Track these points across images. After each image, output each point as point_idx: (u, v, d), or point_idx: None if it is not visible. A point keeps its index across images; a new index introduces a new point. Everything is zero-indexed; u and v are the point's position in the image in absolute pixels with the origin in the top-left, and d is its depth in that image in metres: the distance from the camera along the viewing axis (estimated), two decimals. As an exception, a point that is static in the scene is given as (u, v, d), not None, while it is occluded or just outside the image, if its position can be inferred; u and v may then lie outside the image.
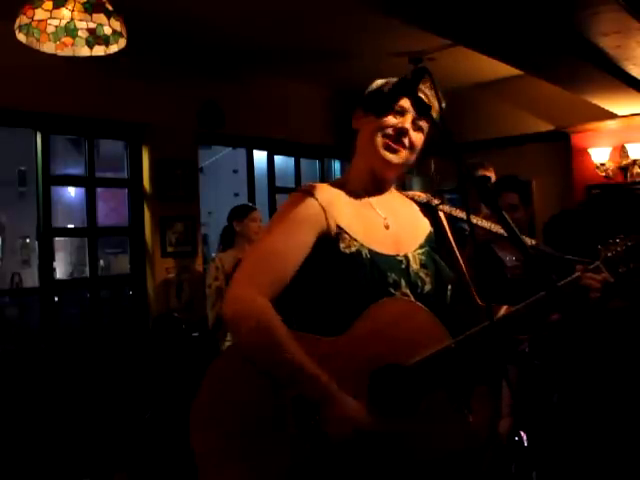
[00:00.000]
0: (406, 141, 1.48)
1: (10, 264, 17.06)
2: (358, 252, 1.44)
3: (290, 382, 1.33)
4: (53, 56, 2.77)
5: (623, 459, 2.56)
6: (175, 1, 3.91)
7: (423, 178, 6.88)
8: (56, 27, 2.59)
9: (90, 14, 2.53)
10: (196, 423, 1.41)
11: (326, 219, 1.45)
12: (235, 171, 19.90)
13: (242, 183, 6.46)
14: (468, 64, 5.20)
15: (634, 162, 5.54)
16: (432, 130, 1.52)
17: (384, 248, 1.48)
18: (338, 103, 5.96)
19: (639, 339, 2.59)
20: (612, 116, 5.45)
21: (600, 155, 5.63)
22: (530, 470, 2.60)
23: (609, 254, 1.48)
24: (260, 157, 5.92)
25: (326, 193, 1.49)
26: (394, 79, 1.54)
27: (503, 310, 1.52)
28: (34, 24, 2.55)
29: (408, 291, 1.45)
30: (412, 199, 1.65)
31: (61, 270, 15.35)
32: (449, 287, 1.54)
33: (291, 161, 6.22)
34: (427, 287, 1.49)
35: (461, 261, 1.63)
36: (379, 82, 1.57)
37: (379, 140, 1.48)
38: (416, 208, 1.64)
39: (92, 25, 2.60)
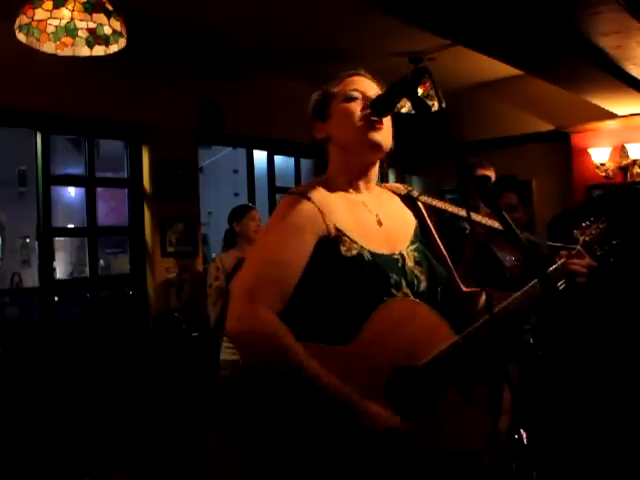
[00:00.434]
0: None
1: (10, 264, 17.07)
2: (360, 255, 1.42)
3: (313, 399, 1.31)
4: (53, 56, 2.77)
5: (623, 458, 2.56)
6: (175, 1, 3.91)
7: (422, 179, 6.89)
8: (56, 27, 2.60)
9: (90, 14, 2.53)
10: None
11: (324, 222, 1.42)
12: (235, 171, 19.92)
13: (242, 183, 6.46)
14: (468, 64, 5.20)
15: (634, 162, 5.54)
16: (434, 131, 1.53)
17: (380, 247, 1.47)
18: (338, 103, 5.94)
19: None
20: (612, 116, 5.46)
21: (600, 155, 5.63)
22: (529, 469, 2.60)
23: (587, 238, 1.53)
24: (260, 157, 5.92)
25: (319, 194, 1.46)
26: (321, 89, 1.56)
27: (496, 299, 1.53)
28: (34, 24, 2.55)
29: (409, 291, 1.46)
30: (393, 192, 1.65)
31: (61, 270, 15.37)
32: (440, 284, 1.56)
33: (291, 161, 6.22)
34: (422, 285, 1.50)
35: (443, 249, 1.65)
36: (313, 97, 1.58)
37: (358, 124, 1.46)
38: (399, 200, 1.64)
39: (92, 25, 2.60)
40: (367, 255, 1.43)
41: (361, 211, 1.51)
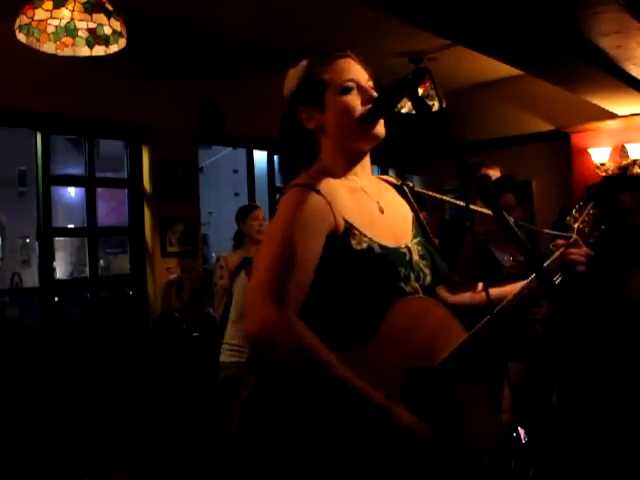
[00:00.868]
0: None
1: (10, 264, 17.06)
2: (370, 248, 1.40)
3: (344, 401, 1.28)
4: (53, 56, 2.77)
5: (623, 458, 2.56)
6: (175, 1, 3.90)
7: (422, 178, 6.89)
8: (56, 27, 2.60)
9: (90, 14, 2.53)
10: None
11: (333, 215, 1.38)
12: (235, 171, 19.92)
13: (242, 183, 6.46)
14: (468, 64, 5.19)
15: (634, 162, 5.54)
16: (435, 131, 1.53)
17: (388, 240, 1.45)
18: (338, 103, 5.94)
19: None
20: (612, 116, 5.46)
21: (600, 155, 5.63)
22: (528, 467, 2.60)
23: (580, 225, 1.51)
24: (260, 157, 5.92)
25: (324, 183, 1.42)
26: (303, 63, 1.53)
27: (497, 291, 1.53)
28: (34, 24, 2.55)
29: (417, 285, 1.45)
30: (387, 182, 1.64)
31: (61, 270, 15.35)
32: (441, 278, 1.56)
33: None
34: (428, 279, 1.49)
35: (432, 236, 1.64)
36: (292, 75, 1.55)
37: (358, 120, 1.44)
38: (395, 191, 1.62)
39: (92, 25, 2.60)
40: (377, 248, 1.41)
41: (362, 198, 1.48)
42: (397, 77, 1.44)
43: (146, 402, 4.27)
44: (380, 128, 1.47)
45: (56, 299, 4.47)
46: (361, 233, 1.40)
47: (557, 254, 1.48)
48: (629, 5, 3.14)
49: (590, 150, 5.67)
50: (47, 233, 4.40)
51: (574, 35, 3.62)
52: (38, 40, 2.62)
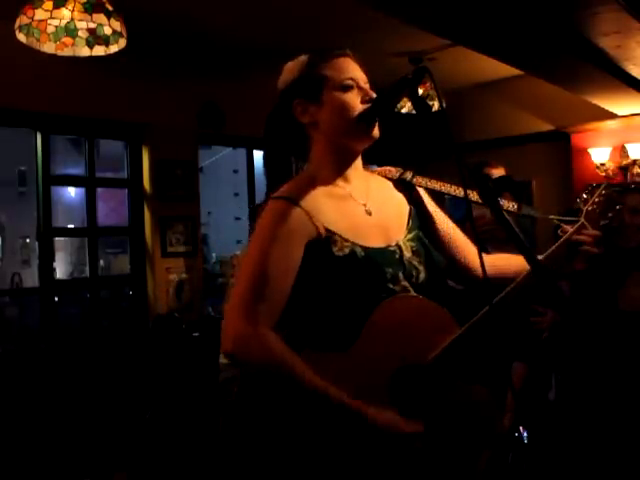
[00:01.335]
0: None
1: (10, 264, 17.09)
2: (352, 252, 1.39)
3: (322, 408, 1.29)
4: (53, 56, 2.77)
5: (623, 457, 2.56)
6: (175, 1, 3.90)
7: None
8: (56, 27, 2.59)
9: (90, 14, 2.53)
10: None
11: (313, 224, 1.39)
12: (235, 171, 19.93)
13: (242, 183, 6.46)
14: (468, 64, 5.19)
15: (634, 162, 5.53)
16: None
17: (375, 240, 1.44)
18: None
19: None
20: (612, 116, 5.45)
21: (600, 155, 5.62)
22: (526, 464, 2.61)
23: (589, 208, 1.46)
24: (260, 157, 5.90)
25: (305, 194, 1.42)
26: (302, 58, 1.52)
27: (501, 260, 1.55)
28: (34, 24, 2.55)
29: (407, 283, 1.43)
30: (384, 176, 1.62)
31: (61, 270, 15.37)
32: (440, 272, 1.53)
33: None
34: (422, 275, 1.47)
35: (450, 220, 1.61)
36: (290, 68, 1.54)
37: (355, 118, 1.44)
38: (390, 185, 1.60)
39: (92, 25, 2.60)
40: (359, 251, 1.39)
41: (348, 204, 1.47)
42: (397, 77, 1.44)
43: (146, 402, 4.27)
44: (376, 131, 1.46)
45: (56, 299, 4.46)
46: (343, 238, 1.40)
47: (562, 239, 1.45)
48: (629, 5, 3.14)
49: (590, 150, 5.67)
50: (47, 233, 4.40)
51: (574, 35, 3.62)
52: (38, 40, 2.62)
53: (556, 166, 5.90)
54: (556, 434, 2.76)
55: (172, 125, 4.91)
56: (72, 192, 16.02)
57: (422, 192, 1.62)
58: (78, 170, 8.13)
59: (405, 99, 3.88)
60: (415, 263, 1.47)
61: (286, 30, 4.43)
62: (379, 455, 1.30)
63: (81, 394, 4.14)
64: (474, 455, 1.42)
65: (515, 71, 4.81)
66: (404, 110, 4.67)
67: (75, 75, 4.15)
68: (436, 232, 1.58)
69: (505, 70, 4.98)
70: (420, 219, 1.57)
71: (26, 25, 2.56)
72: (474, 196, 1.53)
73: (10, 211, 18.02)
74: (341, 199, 1.47)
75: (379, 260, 1.41)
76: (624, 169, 5.59)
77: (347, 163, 1.50)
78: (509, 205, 1.61)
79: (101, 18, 2.56)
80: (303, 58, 1.53)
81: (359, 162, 1.53)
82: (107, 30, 2.64)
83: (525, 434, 2.53)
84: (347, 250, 1.39)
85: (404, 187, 1.60)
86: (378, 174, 1.62)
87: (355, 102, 1.45)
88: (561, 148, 5.87)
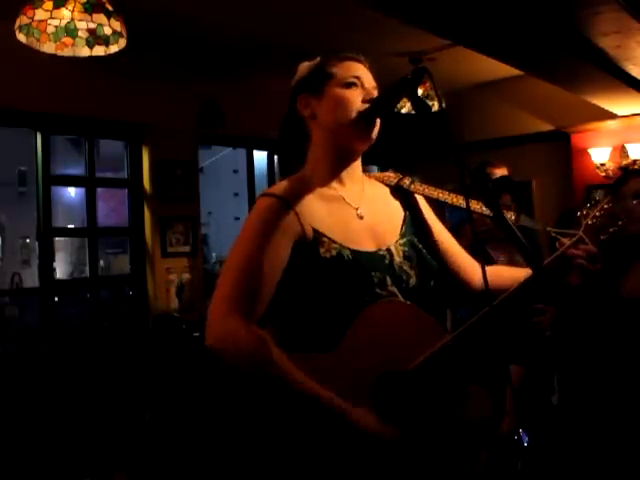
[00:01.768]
0: None
1: (10, 264, 17.10)
2: (339, 255, 1.37)
3: (303, 407, 1.28)
4: (53, 56, 2.77)
5: (623, 458, 2.56)
6: (175, 1, 3.90)
7: (422, 179, 6.88)
8: (56, 27, 2.60)
9: (90, 14, 2.53)
10: None
11: (300, 224, 1.38)
12: (235, 171, 19.93)
13: (242, 183, 6.46)
14: (468, 64, 5.19)
15: (634, 162, 5.53)
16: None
17: (364, 244, 1.42)
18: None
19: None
20: (612, 116, 5.45)
21: (600, 155, 5.63)
22: (531, 469, 2.60)
23: (589, 222, 1.43)
24: (260, 157, 5.92)
25: (294, 193, 1.41)
26: (317, 58, 1.55)
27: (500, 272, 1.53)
28: (34, 24, 2.55)
29: (395, 289, 1.41)
30: (382, 181, 1.60)
31: (61, 270, 15.37)
32: (432, 278, 1.51)
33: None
34: (412, 280, 1.44)
35: (446, 230, 1.60)
36: (303, 67, 1.56)
37: (354, 116, 1.43)
38: (386, 191, 1.58)
39: (92, 25, 2.60)
40: (347, 254, 1.38)
41: (340, 207, 1.45)
42: (397, 77, 1.44)
43: (146, 402, 4.27)
44: (374, 132, 1.45)
45: (56, 299, 4.46)
46: (331, 240, 1.39)
47: (557, 252, 1.43)
48: (629, 5, 3.14)
49: (590, 150, 5.67)
50: (47, 233, 4.40)
51: (574, 35, 3.62)
52: (38, 40, 2.62)
53: (556, 166, 5.90)
54: (559, 438, 2.75)
55: (172, 125, 4.91)
56: (72, 192, 16.03)
57: (421, 200, 1.61)
58: (78, 170, 8.13)
59: (405, 99, 3.88)
60: (406, 268, 1.45)
61: (286, 30, 4.44)
62: (362, 457, 1.29)
63: (81, 394, 4.14)
64: (471, 457, 1.41)
65: (515, 71, 4.81)
66: (404, 110, 4.66)
67: (75, 75, 4.15)
68: (431, 241, 1.56)
69: (505, 70, 4.98)
70: (415, 226, 1.55)
71: (26, 25, 2.56)
72: (473, 205, 1.53)
73: (10, 211, 18.02)
74: (333, 201, 1.46)
75: (366, 264, 1.40)
76: (624, 169, 5.58)
77: (344, 165, 1.49)
78: (508, 216, 1.60)
79: (101, 18, 2.56)
80: (317, 58, 1.56)
81: (357, 166, 1.52)
82: (107, 30, 2.64)
83: (525, 437, 2.52)
84: (334, 252, 1.38)
85: (401, 194, 1.59)
86: (376, 179, 1.61)
87: (355, 99, 1.45)
88: (561, 148, 5.87)
